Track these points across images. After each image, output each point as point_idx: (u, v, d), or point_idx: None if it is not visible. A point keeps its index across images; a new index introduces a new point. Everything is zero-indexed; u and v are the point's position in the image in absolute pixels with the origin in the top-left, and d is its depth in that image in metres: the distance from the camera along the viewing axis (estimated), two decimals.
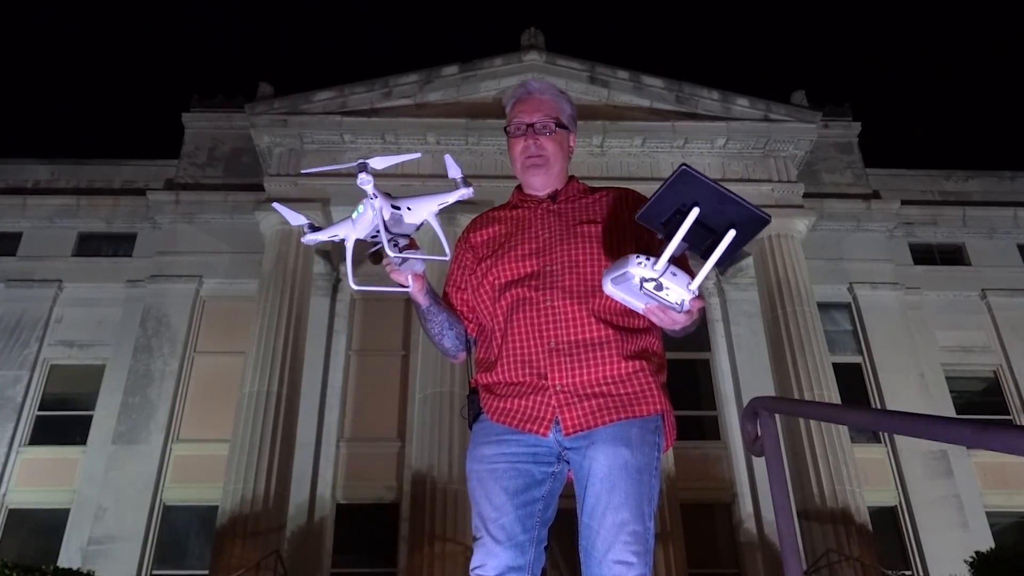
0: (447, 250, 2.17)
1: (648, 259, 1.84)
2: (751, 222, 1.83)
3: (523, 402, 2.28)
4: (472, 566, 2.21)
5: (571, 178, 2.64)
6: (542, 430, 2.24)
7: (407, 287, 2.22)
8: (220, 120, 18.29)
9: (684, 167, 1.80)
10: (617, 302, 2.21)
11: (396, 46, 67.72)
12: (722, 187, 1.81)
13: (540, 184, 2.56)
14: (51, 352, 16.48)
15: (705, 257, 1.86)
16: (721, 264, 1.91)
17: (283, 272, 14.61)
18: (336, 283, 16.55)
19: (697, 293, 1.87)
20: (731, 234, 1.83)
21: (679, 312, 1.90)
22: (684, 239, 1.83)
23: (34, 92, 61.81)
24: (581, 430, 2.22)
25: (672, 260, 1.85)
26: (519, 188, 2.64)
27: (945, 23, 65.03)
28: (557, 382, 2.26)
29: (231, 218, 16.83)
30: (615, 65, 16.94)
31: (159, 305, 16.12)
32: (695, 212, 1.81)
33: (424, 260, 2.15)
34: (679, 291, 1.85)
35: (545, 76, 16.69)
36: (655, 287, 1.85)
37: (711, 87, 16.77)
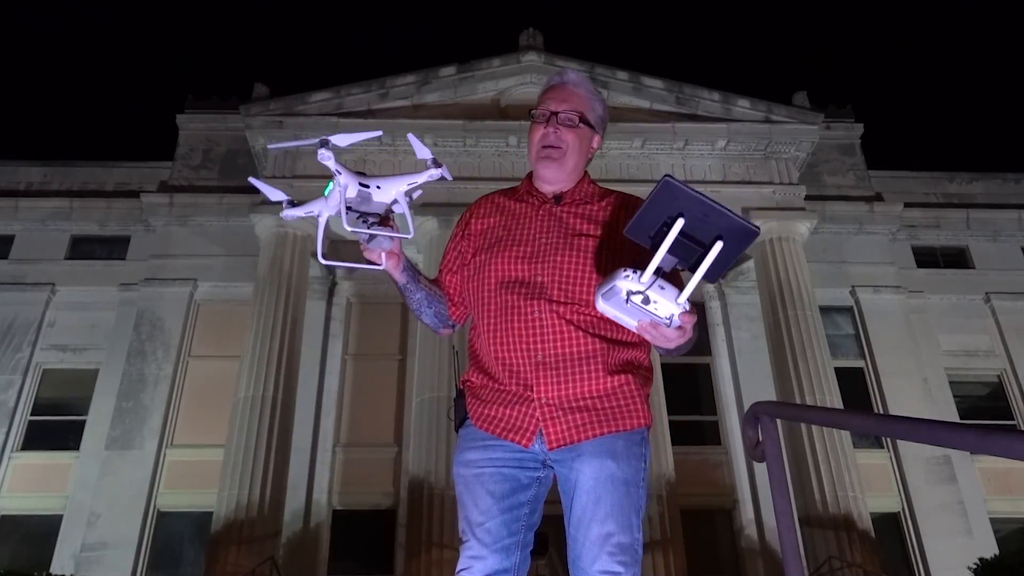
0: (411, 229, 2.14)
1: (636, 272, 1.83)
2: (739, 234, 1.82)
3: (508, 411, 2.28)
4: (458, 569, 2.23)
5: (583, 177, 2.56)
6: (524, 441, 2.25)
7: (378, 264, 2.19)
8: (215, 122, 18.16)
9: (667, 178, 1.80)
10: (602, 319, 2.22)
11: (393, 47, 67.70)
12: (707, 198, 1.79)
13: (551, 177, 2.49)
14: (44, 356, 16.34)
15: (694, 269, 1.85)
16: (711, 278, 1.86)
17: (279, 275, 14.48)
18: (332, 287, 16.40)
19: (687, 307, 1.85)
20: (718, 246, 1.81)
21: (669, 327, 1.88)
22: (672, 252, 1.82)
23: (26, 93, 61.73)
24: (565, 444, 2.23)
25: (663, 275, 1.84)
26: (529, 178, 2.58)
27: (949, 23, 65.04)
28: (543, 395, 2.25)
29: (226, 221, 16.68)
30: (614, 66, 16.85)
31: (153, 309, 15.97)
32: (679, 224, 1.80)
33: (391, 238, 2.15)
34: (667, 305, 1.84)
35: (544, 77, 16.48)
36: (643, 300, 1.83)
37: (712, 88, 16.68)
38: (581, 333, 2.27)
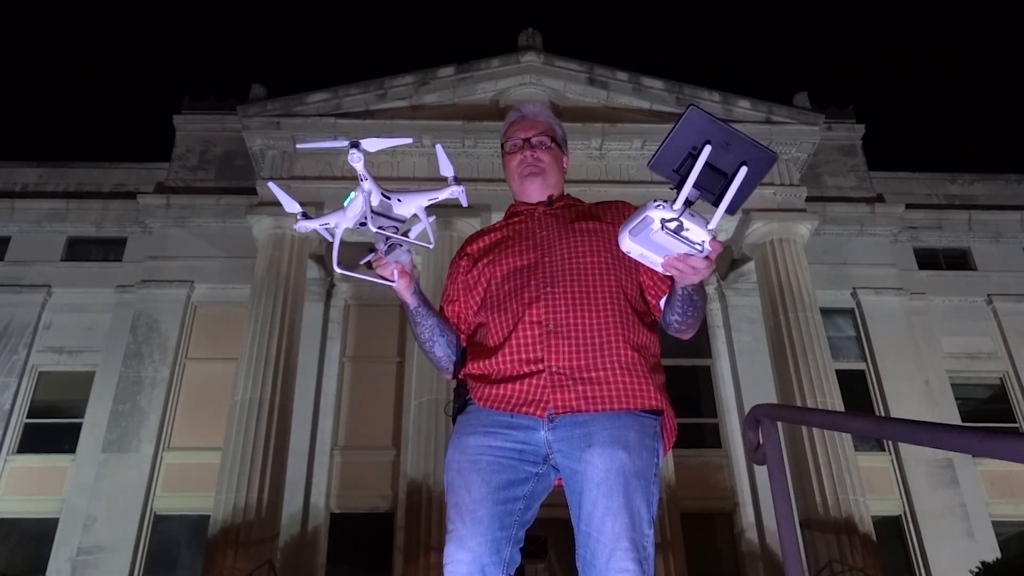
0: (432, 239, 2.16)
1: (666, 202, 1.87)
2: (760, 160, 1.88)
3: (518, 386, 2.24)
4: (444, 561, 2.11)
5: (565, 195, 2.70)
6: (539, 412, 2.19)
7: (392, 281, 2.19)
8: (212, 122, 18.11)
9: (692, 107, 1.86)
10: (615, 297, 2.32)
11: (391, 47, 67.62)
12: (730, 126, 1.87)
13: (537, 192, 2.60)
14: (40, 359, 16.26)
15: (718, 200, 1.89)
16: (734, 208, 1.90)
17: (276, 277, 14.41)
18: (330, 289, 16.33)
19: (715, 234, 1.90)
20: (743, 171, 1.86)
21: (701, 255, 1.92)
22: (697, 184, 1.86)
23: (22, 94, 61.61)
24: (571, 412, 2.18)
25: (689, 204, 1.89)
26: (514, 204, 2.70)
27: (950, 24, 65.04)
28: (553, 363, 2.23)
29: (223, 222, 16.61)
30: (614, 66, 16.82)
31: (150, 311, 15.90)
32: (707, 151, 1.84)
33: (411, 245, 2.14)
34: (699, 231, 1.88)
35: (543, 78, 16.59)
36: (676, 227, 1.87)
37: (712, 88, 16.63)
38: (593, 305, 2.30)
